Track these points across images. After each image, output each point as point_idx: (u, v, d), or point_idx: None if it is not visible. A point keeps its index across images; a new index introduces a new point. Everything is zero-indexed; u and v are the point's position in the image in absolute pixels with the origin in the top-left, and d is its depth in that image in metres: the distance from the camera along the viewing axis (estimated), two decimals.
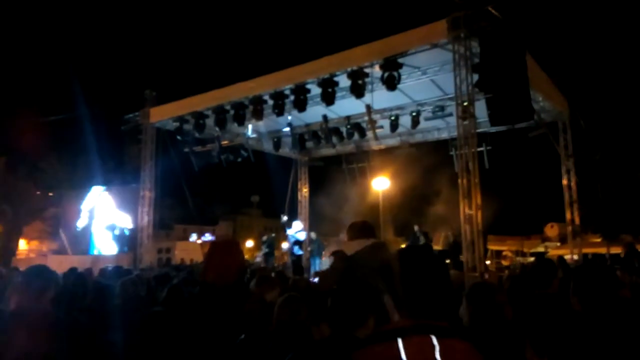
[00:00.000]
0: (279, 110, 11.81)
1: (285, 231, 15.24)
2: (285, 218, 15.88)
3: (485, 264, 8.90)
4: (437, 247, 19.28)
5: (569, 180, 13.31)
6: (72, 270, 7.97)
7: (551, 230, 25.26)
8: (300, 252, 13.85)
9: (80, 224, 17.28)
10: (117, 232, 16.35)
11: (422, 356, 1.53)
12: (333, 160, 18.04)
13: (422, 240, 14.40)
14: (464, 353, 1.60)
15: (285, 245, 15.28)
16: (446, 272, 1.78)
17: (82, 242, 17.02)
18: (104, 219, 16.92)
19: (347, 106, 12.55)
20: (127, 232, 16.06)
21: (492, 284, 3.16)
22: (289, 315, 3.13)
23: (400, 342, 1.53)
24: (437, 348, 1.53)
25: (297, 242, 13.76)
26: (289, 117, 13.62)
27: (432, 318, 1.62)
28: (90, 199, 17.33)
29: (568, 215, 13.38)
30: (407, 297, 1.67)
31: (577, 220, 13.34)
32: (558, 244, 23.27)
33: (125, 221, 16.08)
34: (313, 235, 15.04)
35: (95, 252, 16.47)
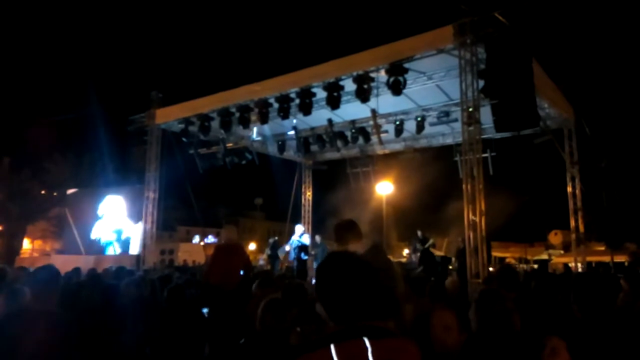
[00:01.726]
0: (284, 114, 11.82)
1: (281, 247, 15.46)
2: (271, 240, 16.39)
3: (489, 270, 8.86)
4: (439, 252, 19.21)
5: (573, 187, 13.24)
6: (76, 270, 8.01)
7: (555, 237, 25.19)
8: (306, 257, 13.78)
9: (96, 225, 17.33)
10: (123, 237, 16.42)
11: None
12: (337, 164, 18.03)
13: (424, 245, 14.34)
14: (399, 352, 1.58)
15: (287, 248, 15.22)
16: (372, 274, 1.74)
17: (96, 243, 17.05)
18: (113, 222, 16.96)
19: (352, 110, 12.56)
20: (129, 240, 16.12)
21: (502, 291, 3.14)
22: (270, 319, 3.10)
23: (332, 348, 1.52)
24: (369, 350, 1.51)
25: (303, 247, 13.69)
26: (294, 121, 13.63)
27: (364, 320, 1.61)
28: (108, 201, 17.35)
29: (572, 223, 13.29)
30: (330, 304, 1.67)
31: (581, 228, 13.23)
32: (562, 251, 23.22)
33: (131, 229, 16.11)
34: (318, 238, 15.03)
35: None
